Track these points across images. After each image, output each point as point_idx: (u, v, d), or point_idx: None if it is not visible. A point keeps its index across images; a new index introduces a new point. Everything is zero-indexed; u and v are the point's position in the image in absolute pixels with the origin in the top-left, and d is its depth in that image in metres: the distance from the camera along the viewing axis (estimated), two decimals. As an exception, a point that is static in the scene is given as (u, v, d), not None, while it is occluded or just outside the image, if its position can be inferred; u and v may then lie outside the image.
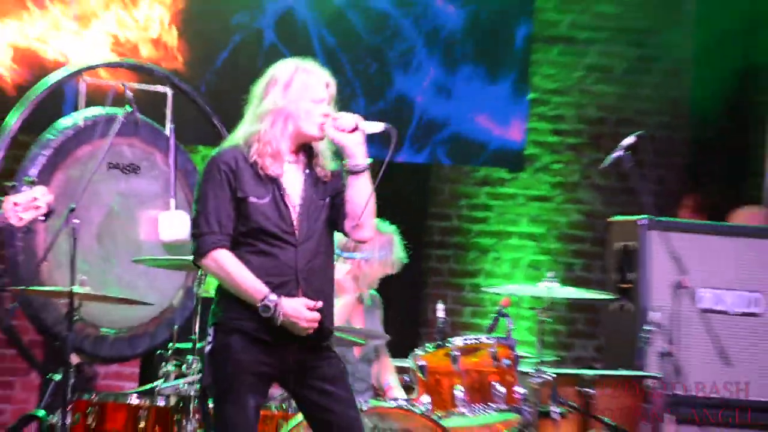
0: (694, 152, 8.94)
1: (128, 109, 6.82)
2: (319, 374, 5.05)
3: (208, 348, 5.05)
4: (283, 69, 5.06)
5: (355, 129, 5.03)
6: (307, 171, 5.08)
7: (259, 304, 4.97)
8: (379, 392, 6.47)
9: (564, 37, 8.93)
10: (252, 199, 5.01)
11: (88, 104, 6.93)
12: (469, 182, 8.90)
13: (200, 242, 5.01)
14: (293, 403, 5.91)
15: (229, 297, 5.03)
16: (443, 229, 8.90)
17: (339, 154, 5.10)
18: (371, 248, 6.35)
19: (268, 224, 5.01)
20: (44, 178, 6.69)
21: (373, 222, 5.09)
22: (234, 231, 5.00)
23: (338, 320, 6.02)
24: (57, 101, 7.37)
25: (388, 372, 6.52)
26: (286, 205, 5.03)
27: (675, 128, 8.99)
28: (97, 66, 7.11)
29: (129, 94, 6.83)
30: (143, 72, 7.15)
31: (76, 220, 5.94)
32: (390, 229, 6.44)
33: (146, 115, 7.00)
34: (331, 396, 5.02)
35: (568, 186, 8.95)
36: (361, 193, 5.03)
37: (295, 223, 5.03)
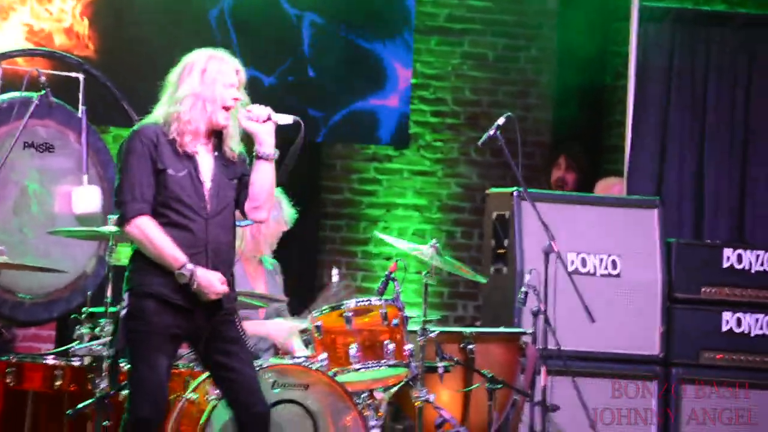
0: (556, 131, 8.98)
1: (42, 92, 6.66)
2: (223, 336, 4.99)
3: (123, 312, 4.95)
4: (198, 56, 5.03)
5: (267, 120, 5.00)
6: (216, 153, 5.03)
7: (176, 271, 4.89)
8: (280, 351, 6.34)
9: (441, 28, 8.89)
10: (170, 171, 4.94)
11: (4, 89, 6.76)
12: (358, 158, 8.86)
13: (124, 209, 4.93)
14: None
15: (144, 263, 4.94)
16: (336, 202, 8.85)
17: (246, 141, 5.07)
18: None
19: (183, 195, 4.94)
20: (-36, 156, 6.51)
21: (270, 205, 5.08)
22: (153, 201, 4.92)
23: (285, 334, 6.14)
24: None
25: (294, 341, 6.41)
26: (200, 181, 4.97)
27: (540, 109, 9.02)
28: (14, 54, 6.99)
29: (43, 79, 6.74)
30: (57, 59, 7.02)
31: None
32: (276, 191, 6.33)
33: (60, 99, 6.84)
34: (233, 355, 4.97)
35: (449, 161, 8.95)
36: (265, 178, 5.01)
37: (206, 197, 4.96)
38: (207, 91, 4.95)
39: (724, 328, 7.34)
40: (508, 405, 6.52)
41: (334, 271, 6.28)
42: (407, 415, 6.47)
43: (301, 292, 6.95)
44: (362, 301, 6.04)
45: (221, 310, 4.99)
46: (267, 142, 4.99)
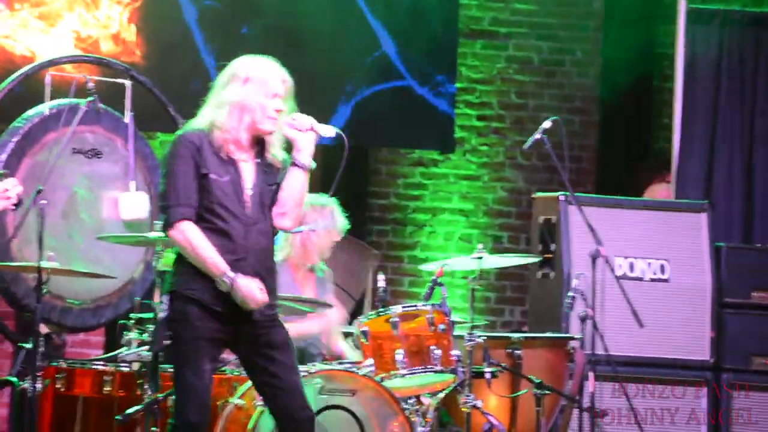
0: (603, 134, 8.92)
1: (90, 99, 6.68)
2: (267, 342, 4.97)
3: (163, 315, 4.96)
4: (244, 64, 5.00)
5: (310, 129, 4.98)
6: (258, 160, 5.01)
7: (217, 278, 4.88)
8: (327, 357, 6.34)
9: (486, 32, 8.85)
10: (213, 176, 4.93)
11: (53, 96, 6.78)
12: (404, 163, 8.85)
13: (169, 214, 4.93)
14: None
15: (188, 268, 4.93)
16: (382, 207, 8.84)
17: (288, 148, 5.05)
18: (315, 220, 6.29)
19: (226, 200, 4.93)
20: (13, 162, 6.57)
21: (297, 215, 5.03)
22: (198, 206, 4.92)
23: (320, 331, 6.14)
24: (24, 93, 7.22)
25: (336, 339, 6.42)
26: (241, 187, 4.95)
27: (586, 112, 8.98)
28: (62, 61, 6.99)
29: (91, 85, 6.75)
30: (104, 65, 7.05)
31: (43, 201, 5.80)
32: (329, 201, 6.39)
33: (107, 105, 6.87)
34: (276, 362, 4.95)
35: (494, 166, 8.92)
36: (297, 185, 4.98)
37: (248, 203, 4.95)
38: (250, 100, 4.93)
39: (776, 333, 7.29)
40: (556, 411, 6.49)
41: (380, 277, 6.26)
42: (454, 421, 6.45)
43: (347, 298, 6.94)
44: (409, 306, 6.03)
45: (262, 316, 4.96)
46: (305, 151, 4.96)
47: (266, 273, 4.97)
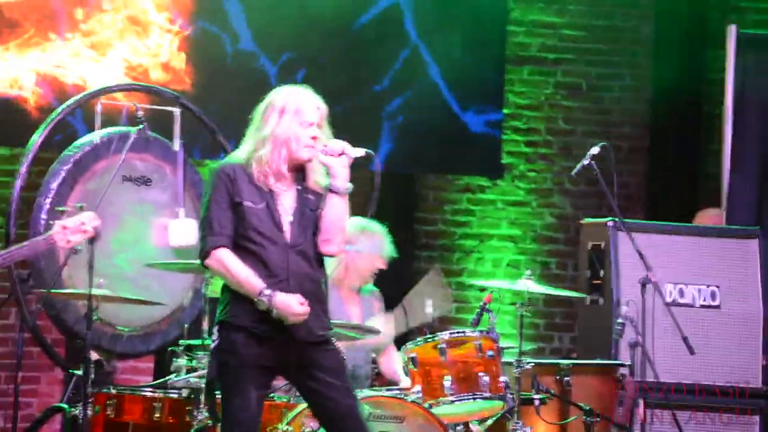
0: (652, 160, 8.89)
1: (140, 126, 6.72)
2: (319, 365, 4.98)
3: (213, 345, 5.00)
4: (279, 96, 5.06)
5: (342, 153, 5.01)
6: (299, 187, 5.06)
7: (256, 299, 4.92)
8: (376, 380, 6.33)
9: (534, 58, 8.84)
10: (247, 203, 4.99)
11: (104, 124, 6.85)
12: (452, 189, 8.83)
13: (204, 244, 5.01)
14: (295, 393, 5.82)
15: (232, 296, 4.98)
16: (429, 233, 8.83)
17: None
18: (361, 242, 6.32)
19: (261, 226, 4.97)
20: (65, 190, 6.63)
21: (341, 239, 5.06)
22: (234, 233, 4.97)
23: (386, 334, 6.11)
24: (76, 121, 7.30)
25: (395, 363, 6.40)
26: (278, 213, 5.00)
27: (635, 138, 8.92)
28: (113, 89, 7.05)
29: (140, 113, 6.77)
30: (154, 93, 7.09)
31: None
32: (379, 228, 6.42)
33: (157, 133, 6.91)
34: (331, 386, 4.96)
35: (542, 192, 8.90)
36: (336, 211, 5.02)
37: (286, 227, 4.99)
38: (286, 131, 4.98)
39: (827, 360, 7.20)
40: (605, 438, 6.44)
41: (428, 302, 6.25)
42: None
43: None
44: (457, 332, 6.02)
45: (310, 337, 4.97)
46: (341, 176, 5.01)
47: (310, 295, 4.98)
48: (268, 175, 4.98)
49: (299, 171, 5.06)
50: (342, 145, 5.03)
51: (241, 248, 4.96)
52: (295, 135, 4.99)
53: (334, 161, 5.02)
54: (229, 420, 4.91)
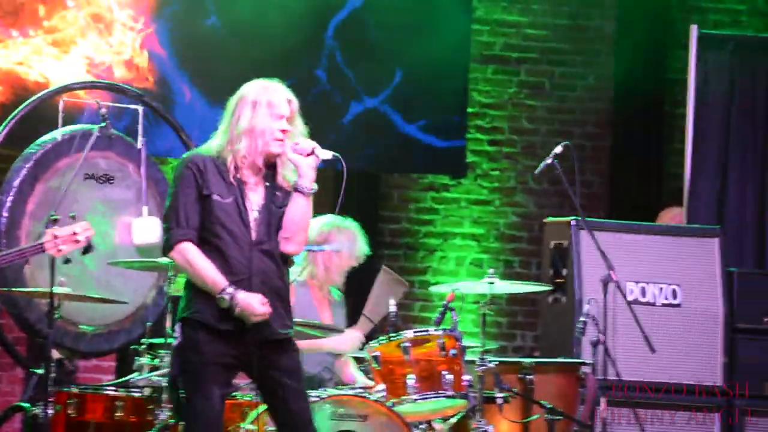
0: (615, 159, 8.92)
1: (103, 124, 6.70)
2: (277, 366, 4.98)
3: (176, 342, 4.97)
4: (250, 89, 5.04)
5: (311, 153, 5.00)
6: (267, 183, 5.04)
7: (217, 296, 4.90)
8: (339, 383, 6.33)
9: (498, 57, 8.86)
10: (215, 197, 4.95)
11: (66, 121, 6.82)
12: (416, 188, 8.84)
13: (169, 236, 4.97)
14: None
15: (193, 292, 4.96)
16: (393, 231, 8.85)
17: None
18: (339, 241, 6.29)
19: (228, 221, 4.95)
20: (26, 188, 6.60)
21: (302, 239, 5.05)
22: (199, 227, 4.94)
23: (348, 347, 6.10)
24: (37, 119, 7.25)
25: (349, 367, 6.42)
26: (246, 208, 4.98)
27: (598, 137, 8.96)
28: (75, 86, 7.04)
29: (103, 111, 6.74)
30: (117, 91, 7.07)
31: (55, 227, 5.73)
32: (353, 225, 6.41)
33: (119, 131, 6.89)
34: (286, 387, 4.96)
35: (506, 190, 8.92)
36: (300, 211, 5.01)
37: (252, 225, 4.97)
38: (259, 124, 4.97)
39: (789, 359, 7.26)
40: (568, 436, 6.47)
41: (391, 301, 6.25)
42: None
43: (358, 321, 6.93)
44: (420, 331, 6.02)
45: (272, 336, 4.97)
46: (308, 176, 5.00)
47: (273, 294, 4.98)
48: (241, 169, 4.96)
49: (269, 168, 5.05)
50: (312, 144, 5.02)
51: (205, 242, 4.94)
52: (268, 128, 4.97)
53: (302, 160, 5.01)
54: (192, 418, 4.90)
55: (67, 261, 5.23)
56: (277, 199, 5.02)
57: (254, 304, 4.91)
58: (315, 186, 5.03)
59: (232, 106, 5.04)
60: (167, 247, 4.97)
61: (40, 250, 5.11)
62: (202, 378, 4.89)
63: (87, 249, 5.21)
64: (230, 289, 4.89)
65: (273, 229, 5.01)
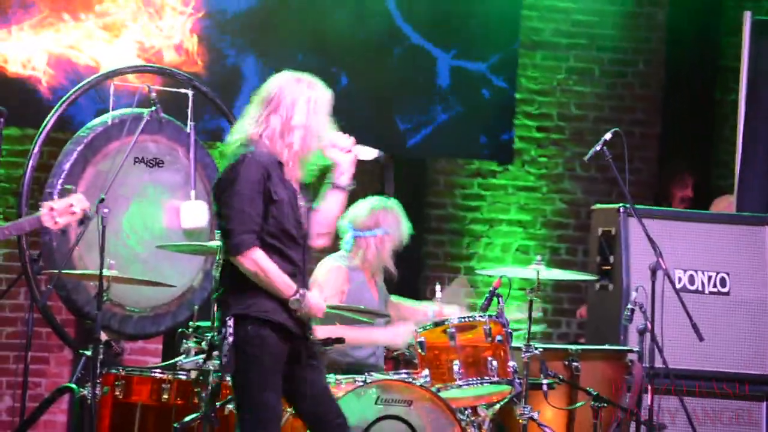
0: (664, 146, 8.86)
1: (153, 108, 6.72)
2: (309, 353, 5.02)
3: (233, 338, 4.87)
4: (300, 85, 4.96)
5: (349, 151, 4.97)
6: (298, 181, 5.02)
7: (290, 299, 4.88)
8: (385, 366, 6.32)
9: (547, 43, 8.81)
10: (280, 200, 4.90)
11: (116, 105, 6.83)
12: (462, 174, 8.81)
13: (237, 240, 4.86)
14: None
15: (255, 291, 4.90)
16: (439, 217, 8.82)
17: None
18: (388, 223, 6.27)
19: (287, 224, 4.92)
20: (77, 171, 6.63)
21: (332, 234, 5.07)
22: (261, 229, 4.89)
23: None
24: (90, 103, 7.31)
25: (411, 308, 6.39)
26: (298, 207, 4.96)
27: (648, 124, 8.90)
28: (126, 71, 7.04)
29: (153, 95, 6.78)
30: (167, 75, 7.08)
31: (105, 209, 5.79)
32: (397, 205, 6.37)
33: (170, 114, 6.90)
34: (315, 369, 5.00)
35: (553, 177, 8.88)
36: (337, 207, 5.01)
37: (303, 224, 4.97)
38: (316, 123, 4.92)
39: (836, 348, 7.18)
40: (613, 424, 6.43)
41: (437, 287, 6.24)
42: (511, 432, 6.41)
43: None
44: (466, 317, 6.01)
45: (309, 333, 5.01)
46: (345, 173, 4.99)
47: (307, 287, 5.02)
48: (297, 165, 4.92)
49: None
50: (351, 141, 5.00)
51: (267, 245, 4.89)
52: (324, 130, 4.94)
53: (341, 157, 4.98)
54: (264, 414, 4.85)
55: (64, 233, 5.27)
56: (306, 196, 5.01)
57: (322, 302, 4.96)
58: (353, 183, 5.02)
59: (279, 97, 4.92)
60: (235, 251, 4.86)
61: (37, 223, 5.17)
62: (273, 376, 4.87)
63: (83, 220, 5.27)
64: (302, 291, 4.90)
65: (308, 224, 5.00)
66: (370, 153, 5.03)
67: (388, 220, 6.26)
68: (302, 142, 4.91)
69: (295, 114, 4.91)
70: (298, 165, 4.95)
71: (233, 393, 5.03)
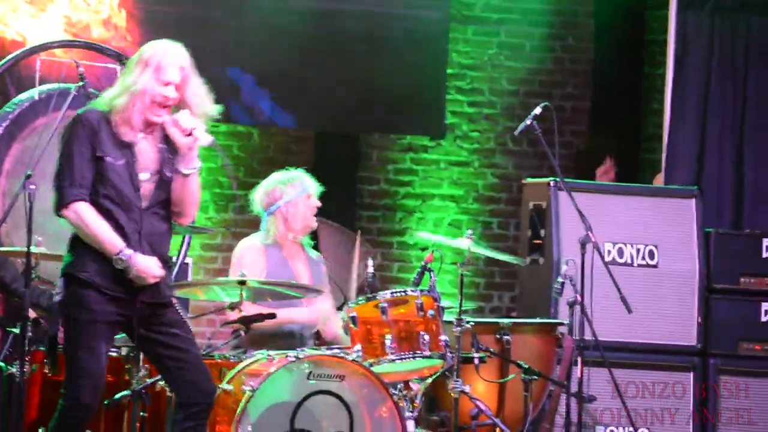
0: (594, 120, 8.91)
1: (80, 84, 6.64)
2: (164, 320, 4.98)
3: (59, 298, 4.95)
4: (149, 47, 4.96)
5: (190, 134, 4.89)
6: (162, 144, 4.95)
7: (114, 257, 4.86)
8: (319, 342, 6.33)
9: (478, 18, 8.83)
10: (109, 159, 4.88)
11: (42, 81, 6.79)
12: (395, 148, 8.80)
13: (62, 194, 4.91)
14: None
15: (83, 249, 4.92)
16: (372, 192, 8.81)
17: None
18: (287, 192, 6.27)
19: (121, 184, 4.88)
20: (2, 147, 6.59)
21: (193, 211, 5.02)
22: (92, 188, 4.88)
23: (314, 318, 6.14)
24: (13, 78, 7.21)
25: (335, 325, 6.42)
26: (136, 172, 4.90)
27: (577, 98, 8.95)
28: (52, 45, 6.99)
29: (81, 70, 6.67)
30: (94, 50, 7.04)
31: (32, 186, 5.72)
32: (296, 172, 6.37)
33: (97, 90, 6.81)
34: (179, 337, 4.98)
35: (485, 152, 8.89)
36: (182, 189, 4.95)
37: (142, 189, 4.91)
38: (143, 85, 4.87)
39: (763, 319, 7.27)
40: (544, 396, 6.48)
41: (369, 262, 6.24)
42: (443, 406, 6.44)
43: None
44: (398, 291, 6.01)
45: (162, 299, 4.98)
46: (185, 157, 4.93)
47: (161, 258, 4.97)
48: (120, 125, 4.87)
49: (159, 128, 4.94)
50: (193, 124, 4.90)
51: (95, 204, 4.89)
52: (150, 90, 4.87)
53: (181, 139, 4.91)
54: (81, 375, 4.90)
55: None
56: (168, 164, 4.94)
57: (153, 267, 4.90)
58: (197, 165, 4.94)
59: (131, 61, 4.97)
60: (60, 205, 4.90)
61: None
62: (92, 335, 4.89)
63: None
64: (128, 251, 4.87)
65: (164, 194, 4.95)
66: (206, 139, 4.91)
67: (286, 190, 6.26)
68: (126, 101, 4.86)
69: (129, 75, 4.90)
70: (123, 125, 4.87)
71: None
